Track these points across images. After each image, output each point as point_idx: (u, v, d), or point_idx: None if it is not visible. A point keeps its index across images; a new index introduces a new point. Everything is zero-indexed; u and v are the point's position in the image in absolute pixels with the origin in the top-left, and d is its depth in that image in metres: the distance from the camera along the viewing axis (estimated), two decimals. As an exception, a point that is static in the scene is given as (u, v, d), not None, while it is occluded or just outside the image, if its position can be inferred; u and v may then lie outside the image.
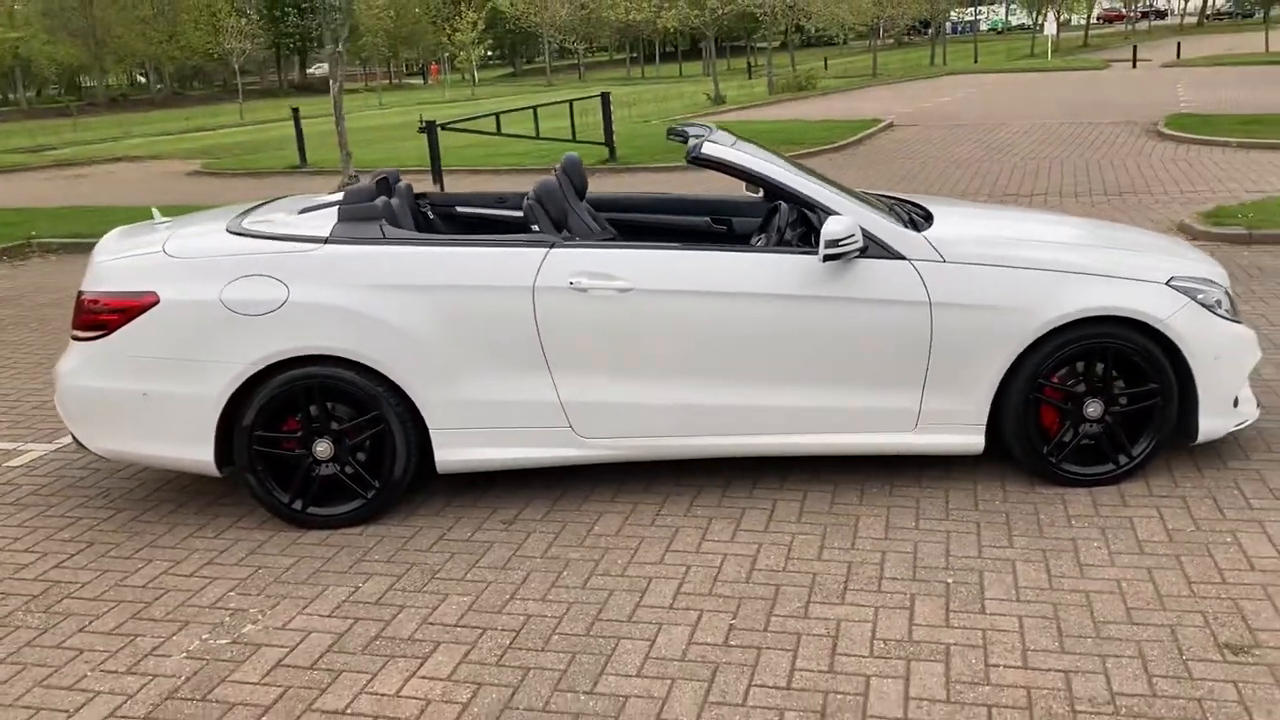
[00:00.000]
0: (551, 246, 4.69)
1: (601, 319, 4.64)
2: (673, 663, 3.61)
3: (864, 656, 3.59)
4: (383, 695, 3.51)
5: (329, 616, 4.03)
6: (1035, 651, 3.56)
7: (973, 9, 73.64)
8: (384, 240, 4.69)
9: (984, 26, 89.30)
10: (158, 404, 4.65)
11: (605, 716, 3.34)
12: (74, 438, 4.93)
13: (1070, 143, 18.11)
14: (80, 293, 4.79)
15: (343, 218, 4.79)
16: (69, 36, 60.93)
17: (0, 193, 19.97)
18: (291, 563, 4.47)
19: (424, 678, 3.60)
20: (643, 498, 4.92)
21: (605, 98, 19.33)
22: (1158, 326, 4.64)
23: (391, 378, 4.60)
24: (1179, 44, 49.36)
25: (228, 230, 4.89)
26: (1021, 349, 4.62)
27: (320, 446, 4.68)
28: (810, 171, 5.16)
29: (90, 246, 12.65)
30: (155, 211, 5.67)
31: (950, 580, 4.06)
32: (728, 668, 3.57)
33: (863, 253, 4.61)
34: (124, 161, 26.82)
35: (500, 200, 6.01)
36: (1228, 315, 4.88)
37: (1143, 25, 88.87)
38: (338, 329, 4.55)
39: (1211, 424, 4.82)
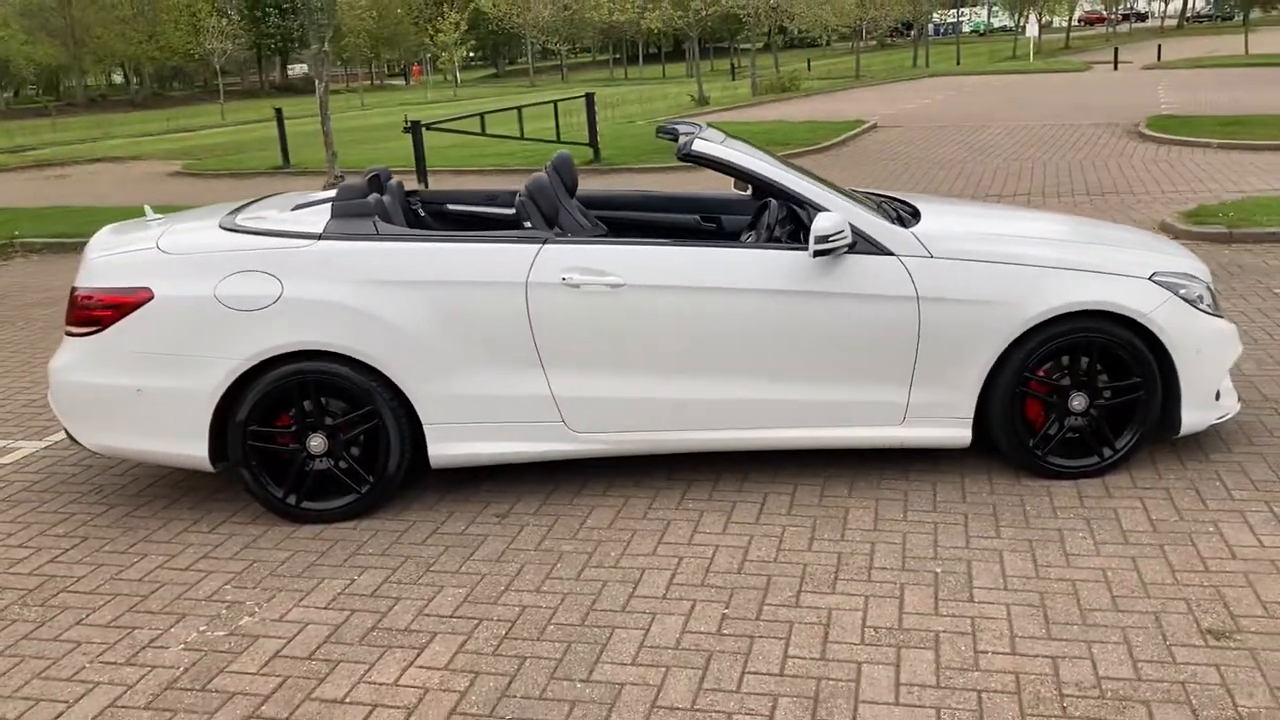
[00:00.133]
0: (544, 243, 4.73)
1: (594, 315, 4.69)
2: (667, 651, 3.67)
3: (855, 644, 3.65)
4: (381, 684, 3.55)
5: (325, 608, 4.06)
6: (1023, 638, 3.63)
7: (955, 11, 73.96)
8: (378, 236, 4.73)
9: (966, 28, 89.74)
10: (152, 399, 4.67)
11: (602, 704, 3.39)
12: (68, 433, 4.95)
13: (1052, 144, 18.25)
14: (74, 289, 4.81)
15: (336, 214, 4.82)
16: (47, 36, 60.65)
17: (-18, 193, 19.88)
18: (286, 556, 4.50)
19: (422, 667, 3.64)
20: (634, 492, 4.97)
21: (590, 98, 19.37)
22: (1141, 321, 4.72)
23: (385, 373, 4.63)
24: (1159, 46, 49.76)
25: (221, 226, 4.92)
26: (1008, 343, 4.69)
27: (314, 441, 4.71)
28: (799, 169, 5.22)
29: (75, 246, 12.74)
30: (147, 209, 5.69)
31: (939, 570, 4.12)
32: (721, 656, 3.62)
33: (851, 248, 4.67)
34: (104, 162, 26.72)
35: (491, 198, 6.05)
36: (1209, 310, 4.96)
37: (1123, 28, 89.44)
38: (332, 324, 4.59)
39: (1194, 417, 4.90)
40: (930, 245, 4.74)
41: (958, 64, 53.32)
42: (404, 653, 3.74)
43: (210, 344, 4.60)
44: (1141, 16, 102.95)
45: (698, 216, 6.14)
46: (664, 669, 3.56)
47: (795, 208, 5.06)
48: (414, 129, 14.95)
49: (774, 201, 5.44)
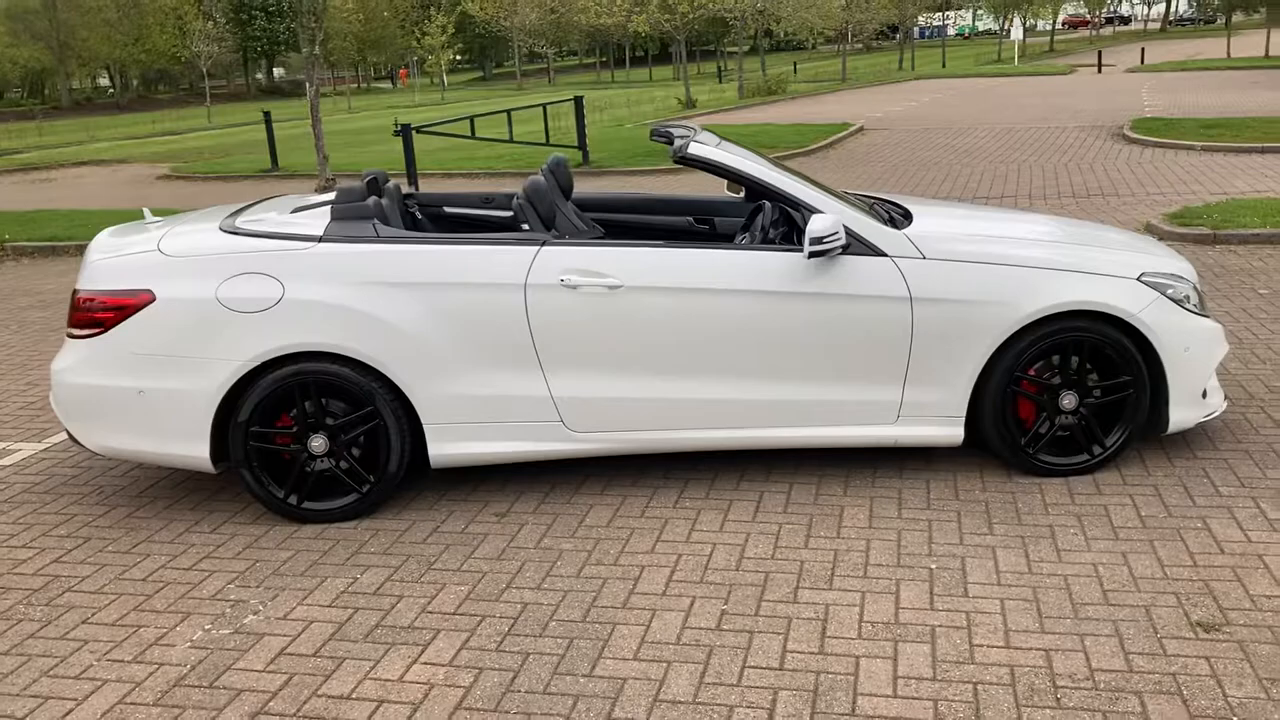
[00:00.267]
0: (542, 245, 4.79)
1: (592, 316, 4.75)
2: (668, 646, 3.73)
3: (853, 638, 3.72)
4: (387, 681, 3.60)
5: (329, 607, 4.11)
6: (1017, 632, 3.70)
7: (940, 14, 74.30)
8: (377, 239, 4.78)
9: (951, 32, 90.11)
10: (154, 401, 4.72)
11: (605, 698, 3.45)
12: (69, 435, 4.99)
13: (1038, 146, 18.39)
14: (76, 291, 4.85)
15: (336, 217, 4.87)
16: (32, 39, 60.42)
17: (-31, 196, 19.83)
18: (289, 556, 4.55)
19: (426, 663, 3.69)
20: (631, 490, 5.03)
21: (579, 101, 19.44)
22: (1129, 320, 4.80)
23: (386, 374, 4.69)
24: (1143, 49, 50.10)
25: (221, 229, 4.96)
26: (999, 343, 4.77)
27: (315, 442, 4.76)
28: (793, 171, 5.29)
29: (66, 250, 12.74)
30: (146, 211, 5.73)
31: (934, 566, 4.19)
32: (721, 650, 3.68)
33: (845, 250, 4.74)
34: (91, 165, 26.67)
35: (487, 200, 6.11)
36: (1196, 310, 5.05)
37: (1107, 31, 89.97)
38: (333, 326, 4.64)
39: (1181, 415, 4.99)
40: (922, 246, 4.81)
41: (943, 67, 53.58)
42: (408, 649, 3.79)
43: (212, 345, 4.65)
44: (1125, 20, 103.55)
45: (690, 218, 6.21)
46: (665, 664, 3.62)
47: (789, 210, 5.14)
48: (404, 132, 14.98)
49: (768, 204, 5.50)
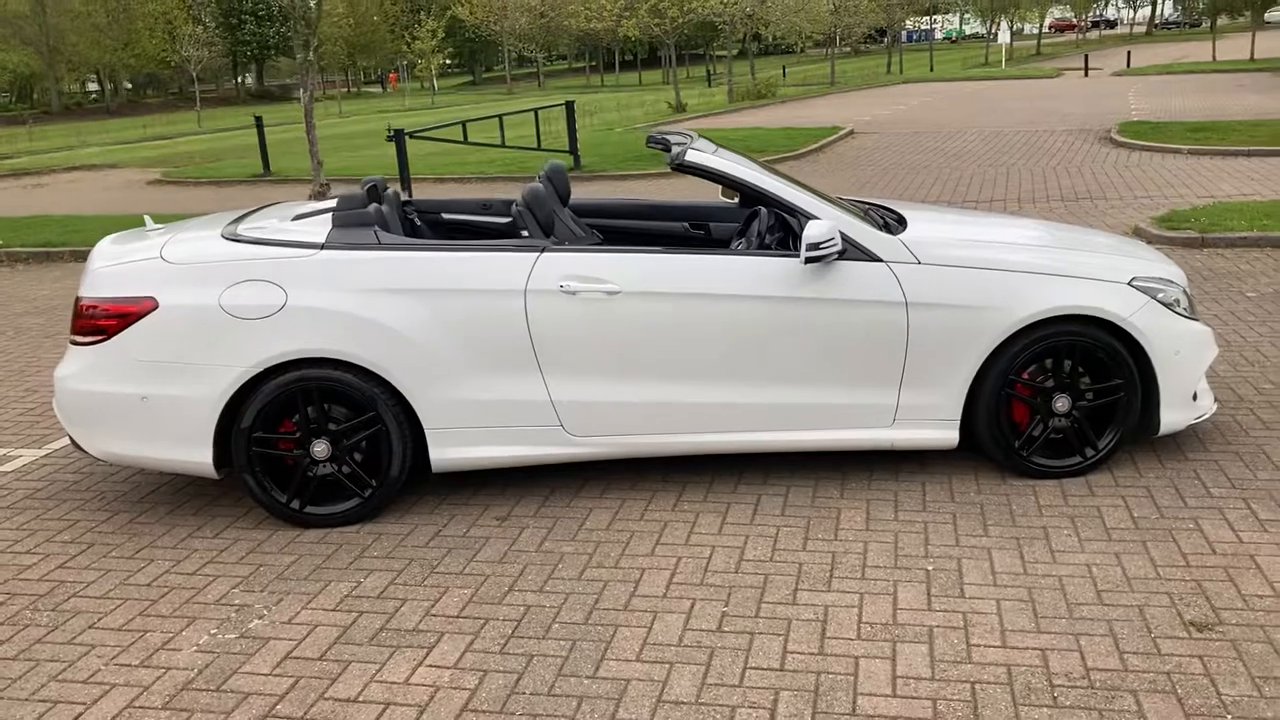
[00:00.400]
0: (542, 251, 4.84)
1: (591, 321, 4.80)
2: (670, 648, 3.78)
3: (852, 639, 3.78)
4: (393, 683, 3.65)
5: (333, 610, 4.15)
6: (1013, 631, 3.76)
7: (927, 18, 74.57)
8: (379, 246, 4.83)
9: (938, 35, 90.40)
10: (157, 407, 4.75)
11: (609, 699, 3.50)
12: (72, 441, 5.02)
13: (1026, 150, 18.50)
14: (78, 298, 4.88)
15: (337, 224, 4.92)
16: (22, 44, 60.25)
17: (-41, 202, 19.80)
18: (292, 560, 4.59)
19: (431, 666, 3.74)
20: (630, 494, 5.08)
21: (570, 106, 19.51)
22: (1121, 324, 4.87)
23: (388, 379, 4.73)
24: (1129, 53, 50.35)
25: (223, 236, 5.01)
26: (993, 347, 4.84)
27: (318, 447, 4.80)
28: (788, 177, 5.35)
29: (60, 256, 12.75)
30: (147, 219, 5.77)
31: (930, 568, 4.25)
32: (723, 652, 3.74)
33: (841, 255, 4.80)
34: (82, 170, 26.62)
35: (484, 206, 6.16)
36: (1186, 313, 5.12)
37: (1093, 34, 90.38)
38: (335, 332, 4.68)
39: (1172, 417, 5.06)
40: (917, 252, 4.88)
41: (931, 71, 53.79)
42: (413, 652, 3.83)
43: (215, 352, 4.69)
44: (1111, 24, 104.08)
45: (686, 224, 6.27)
46: (668, 665, 3.67)
47: (786, 216, 5.20)
48: (397, 137, 15.01)
49: (763, 210, 5.56)
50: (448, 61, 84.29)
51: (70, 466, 5.82)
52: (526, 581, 4.31)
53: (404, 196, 5.99)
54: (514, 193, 12.79)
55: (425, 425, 4.81)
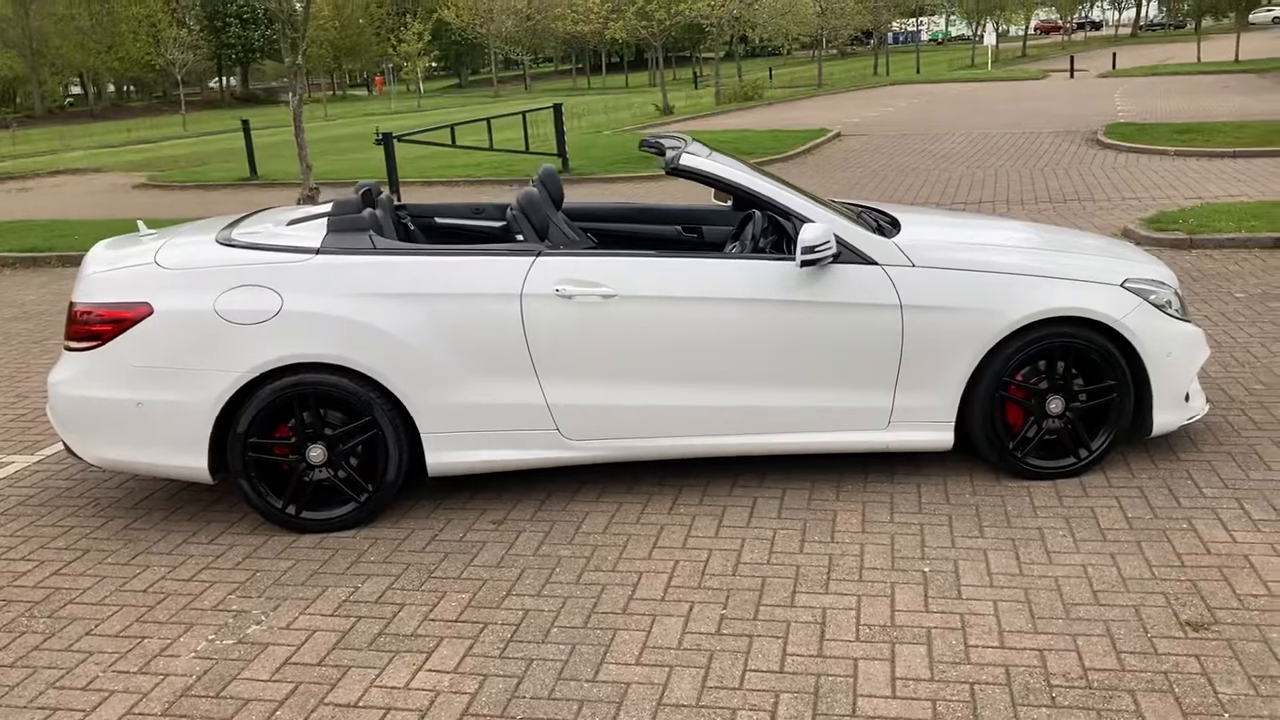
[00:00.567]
0: (537, 255, 4.85)
1: (586, 324, 4.80)
2: (669, 651, 3.79)
3: (850, 641, 3.79)
4: (393, 688, 3.65)
5: (332, 616, 4.15)
6: (1011, 632, 3.78)
7: (914, 20, 74.79)
8: (374, 250, 4.83)
9: (925, 37, 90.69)
10: (152, 413, 4.74)
11: (610, 702, 3.50)
12: (66, 447, 5.00)
13: (1013, 151, 18.57)
14: (72, 304, 4.87)
15: (333, 229, 4.91)
16: (4, 47, 59.95)
17: (-56, 207, 19.70)
18: (289, 566, 4.58)
19: (431, 671, 3.74)
20: (626, 497, 5.09)
21: (558, 109, 19.51)
22: (1114, 326, 4.90)
23: (384, 384, 4.73)
24: (1114, 54, 50.57)
25: (218, 241, 5.00)
26: (987, 349, 4.86)
27: (314, 452, 4.80)
28: (782, 180, 5.37)
29: (47, 261, 12.70)
30: (140, 224, 5.75)
31: (927, 569, 4.27)
32: (722, 654, 3.75)
33: (836, 258, 4.82)
34: (67, 174, 26.52)
35: (477, 211, 6.16)
36: (1178, 315, 5.16)
37: (1078, 36, 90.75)
38: (331, 337, 4.68)
39: (1165, 418, 5.09)
40: (912, 255, 4.90)
41: (917, 72, 53.95)
42: (412, 657, 3.83)
43: (210, 357, 4.68)
44: (1096, 25, 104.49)
45: (679, 227, 6.27)
46: (668, 668, 3.68)
47: (780, 219, 5.21)
48: (386, 141, 14.99)
49: (757, 213, 5.58)
50: (433, 64, 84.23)
51: (64, 472, 5.79)
52: (524, 585, 4.31)
53: (395, 201, 5.98)
54: (503, 196, 12.79)
55: (421, 429, 4.81)
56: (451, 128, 18.30)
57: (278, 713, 3.53)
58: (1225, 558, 4.21)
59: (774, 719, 3.37)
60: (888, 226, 5.35)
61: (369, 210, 5.08)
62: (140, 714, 3.55)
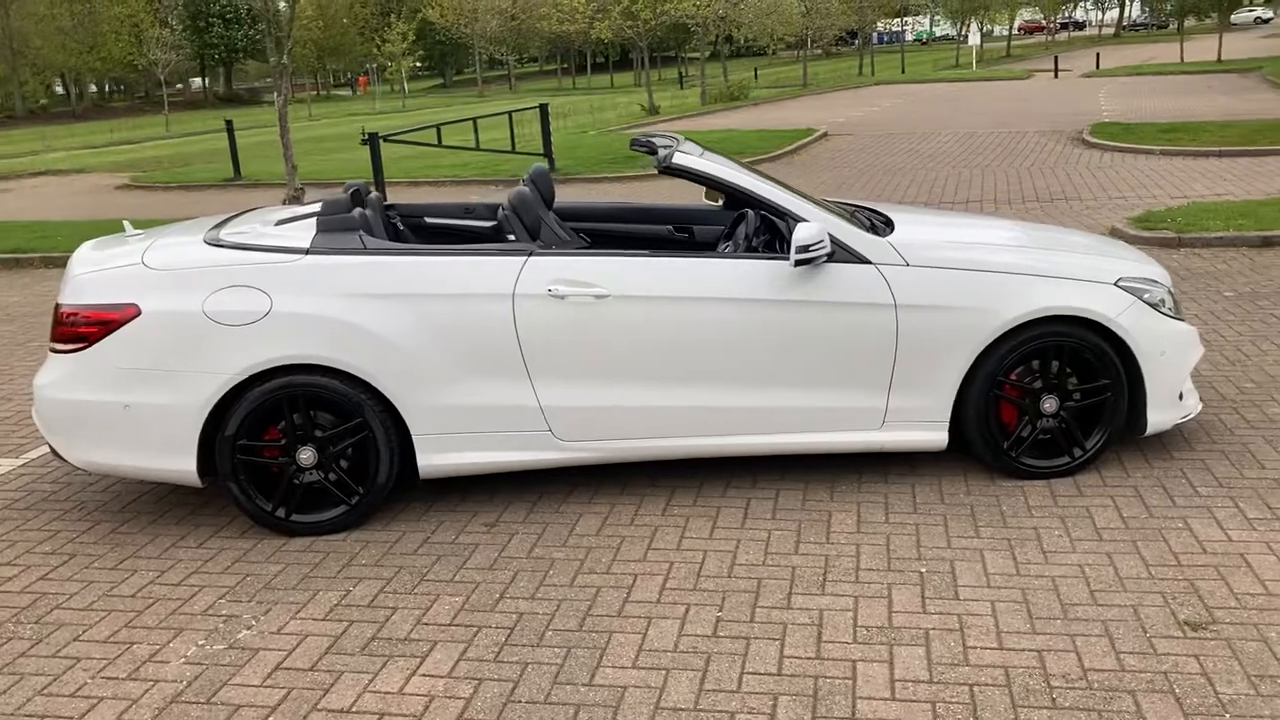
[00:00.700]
0: (529, 255, 4.81)
1: (579, 325, 4.77)
2: (666, 654, 3.75)
3: (848, 643, 3.76)
4: (386, 693, 3.60)
5: (323, 620, 4.10)
6: (1009, 633, 3.76)
7: (899, 20, 74.96)
8: (365, 250, 4.78)
9: (909, 37, 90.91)
10: (139, 415, 4.68)
11: (606, 706, 3.47)
12: (52, 450, 4.94)
13: (999, 151, 18.60)
14: (58, 305, 4.81)
15: (322, 229, 4.86)
16: (-15, 48, 59.52)
17: (-75, 208, 19.52)
18: (279, 569, 4.53)
19: (425, 675, 3.69)
20: (619, 498, 5.06)
21: (544, 109, 19.47)
22: (1108, 325, 4.89)
23: (375, 385, 4.68)
24: (1098, 54, 50.73)
25: (205, 242, 4.94)
26: (982, 348, 4.84)
27: (304, 454, 4.74)
28: (775, 179, 5.34)
29: (30, 262, 12.59)
30: (127, 224, 5.68)
31: (924, 570, 4.24)
32: (719, 657, 3.71)
33: (830, 258, 4.79)
34: (48, 175, 26.34)
35: (467, 210, 6.11)
36: (1171, 313, 5.15)
37: (1062, 36, 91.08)
38: (322, 338, 4.63)
39: (1159, 417, 5.08)
40: (906, 254, 4.88)
41: (902, 72, 54.03)
42: (406, 661, 3.79)
43: (198, 359, 4.62)
44: (1079, 25, 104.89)
45: (670, 227, 6.24)
46: (664, 671, 3.65)
47: (774, 218, 5.18)
48: (372, 141, 14.92)
49: (750, 212, 5.55)
50: (418, 64, 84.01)
51: (49, 476, 5.73)
52: (518, 588, 4.27)
53: (393, 202, 5.94)
54: (490, 196, 12.75)
55: (412, 431, 4.77)
56: (438, 128, 18.25)
57: (270, 719, 3.49)
58: (1222, 556, 4.20)
59: (773, 722, 3.34)
60: (881, 225, 5.33)
61: (359, 210, 5.04)
62: (130, 721, 3.51)
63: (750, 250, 5.33)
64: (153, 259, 4.84)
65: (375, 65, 71.77)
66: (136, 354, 4.66)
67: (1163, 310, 5.10)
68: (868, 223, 5.32)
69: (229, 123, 22.14)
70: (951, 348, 4.83)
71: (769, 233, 5.35)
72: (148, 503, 5.30)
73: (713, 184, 5.01)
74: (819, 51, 63.02)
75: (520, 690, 3.58)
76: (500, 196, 8.21)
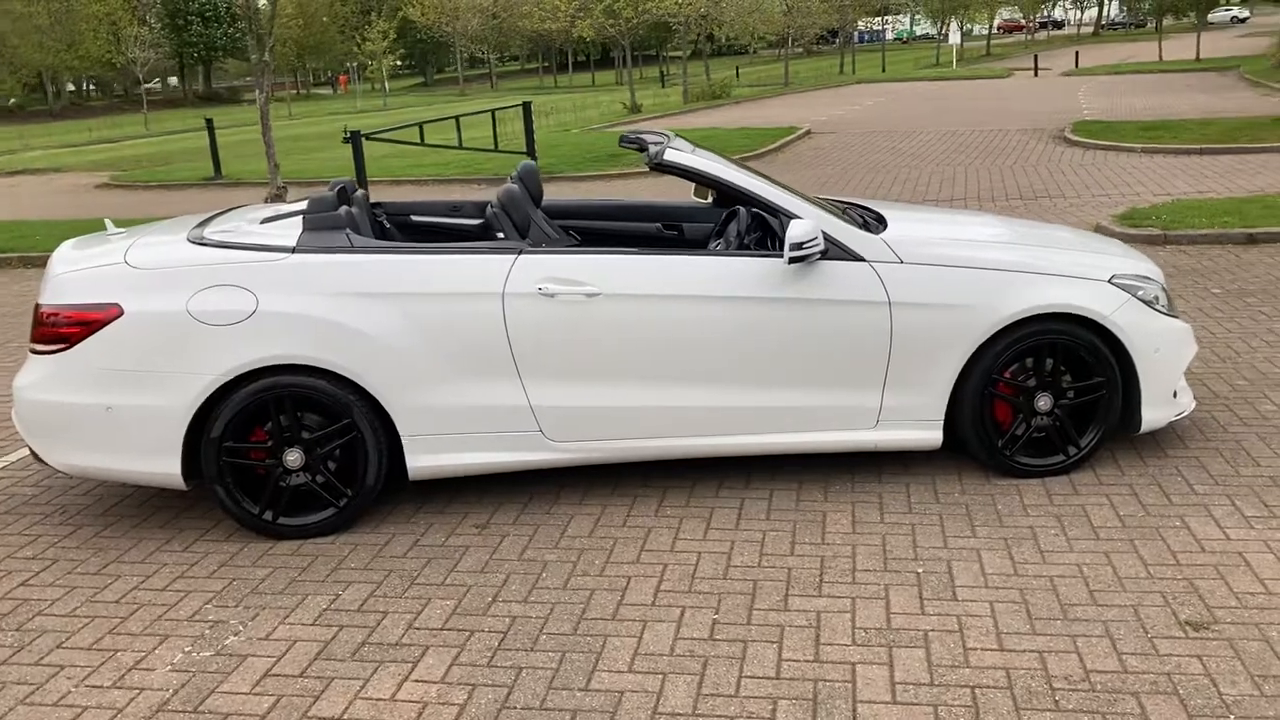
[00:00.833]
0: (519, 253, 4.74)
1: (570, 324, 4.70)
2: (662, 657, 3.69)
3: (847, 645, 3.71)
4: (378, 700, 3.53)
5: (312, 625, 4.03)
6: (1009, 634, 3.72)
7: (879, 19, 75.09)
8: (352, 249, 4.70)
9: (890, 36, 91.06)
10: (122, 417, 4.59)
11: (604, 712, 3.41)
12: (32, 453, 4.85)
13: (982, 149, 18.61)
14: (38, 305, 4.71)
15: (308, 227, 4.78)
16: (-40, 47, 58.92)
17: (-100, 207, 19.28)
18: (266, 574, 4.45)
19: (417, 681, 3.62)
20: (611, 499, 4.99)
21: (527, 107, 19.37)
22: (1102, 322, 4.86)
23: (363, 385, 4.61)
24: (1077, 53, 50.97)
25: (189, 240, 4.86)
26: (976, 346, 4.80)
27: (291, 456, 4.67)
28: (767, 176, 5.29)
29: (8, 262, 12.43)
30: (108, 223, 5.59)
31: (920, 570, 4.20)
32: (717, 660, 3.66)
33: (824, 255, 4.74)
34: (26, 175, 26.10)
35: (454, 208, 6.04)
36: (1165, 311, 5.12)
37: (1041, 35, 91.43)
38: (308, 338, 4.55)
39: (1153, 415, 5.05)
40: (900, 251, 4.83)
41: (883, 71, 54.13)
42: (398, 667, 3.72)
43: (183, 360, 4.54)
44: (1058, 24, 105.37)
45: (659, 224, 6.19)
46: (661, 675, 3.59)
47: (766, 215, 5.13)
48: (354, 139, 14.80)
49: (741, 210, 5.49)
50: (399, 63, 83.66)
51: (29, 479, 5.62)
52: (510, 591, 4.20)
53: (380, 200, 5.85)
54: (473, 195, 12.69)
55: (401, 432, 4.69)
56: (420, 126, 18.13)
57: (259, 727, 3.42)
58: (1220, 555, 4.17)
59: (773, 727, 3.29)
60: (874, 223, 5.28)
61: (345, 208, 4.96)
62: (115, 731, 3.43)
63: (742, 248, 5.28)
64: (135, 258, 4.75)
65: (356, 64, 71.48)
66: (119, 355, 4.57)
67: (1157, 307, 5.07)
68: (860, 220, 5.27)
69: (209, 121, 21.96)
70: (946, 345, 4.79)
71: (761, 230, 5.30)
72: (131, 506, 5.21)
73: (705, 180, 4.96)
74: (800, 50, 63.09)
75: (515, 696, 3.52)
76: (485, 195, 8.13)
